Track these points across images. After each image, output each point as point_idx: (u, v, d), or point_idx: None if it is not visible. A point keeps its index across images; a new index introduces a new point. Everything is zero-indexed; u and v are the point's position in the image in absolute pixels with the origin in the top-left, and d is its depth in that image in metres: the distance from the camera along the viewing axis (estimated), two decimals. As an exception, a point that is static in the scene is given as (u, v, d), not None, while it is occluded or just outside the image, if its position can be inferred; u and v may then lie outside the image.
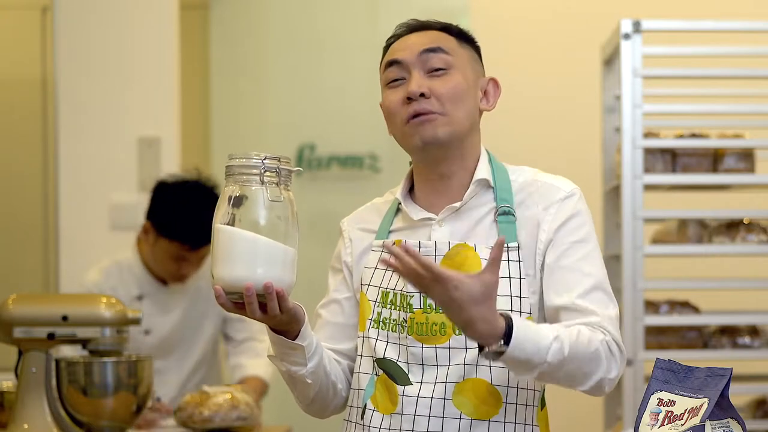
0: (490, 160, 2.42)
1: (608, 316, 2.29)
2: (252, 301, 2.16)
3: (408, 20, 2.47)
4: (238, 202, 2.19)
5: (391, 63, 2.39)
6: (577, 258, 2.32)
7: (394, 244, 2.37)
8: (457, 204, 2.37)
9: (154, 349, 4.22)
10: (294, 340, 2.28)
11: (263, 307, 2.19)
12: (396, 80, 2.38)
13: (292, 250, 2.20)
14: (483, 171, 2.39)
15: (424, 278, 2.08)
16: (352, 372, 2.45)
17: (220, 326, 4.37)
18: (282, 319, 2.22)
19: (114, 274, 4.13)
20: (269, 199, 2.18)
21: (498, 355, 2.13)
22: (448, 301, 2.09)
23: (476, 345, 2.20)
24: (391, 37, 2.44)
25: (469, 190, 2.38)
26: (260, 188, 2.18)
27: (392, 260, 2.09)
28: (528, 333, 2.15)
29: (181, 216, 4.06)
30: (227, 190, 2.20)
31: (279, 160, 2.21)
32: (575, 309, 2.29)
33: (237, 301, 2.19)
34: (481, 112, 2.43)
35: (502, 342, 2.12)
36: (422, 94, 2.33)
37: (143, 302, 4.22)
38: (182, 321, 4.29)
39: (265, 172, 2.18)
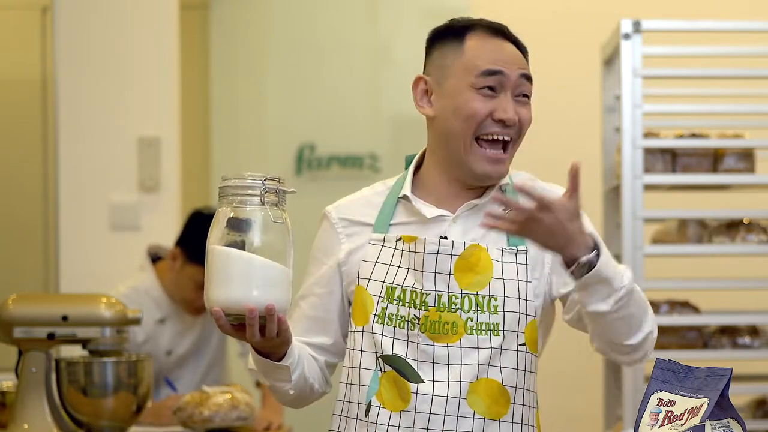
0: None
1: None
2: (254, 323, 2.17)
3: (489, 22, 2.42)
4: (234, 223, 2.18)
5: (493, 72, 2.35)
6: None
7: (400, 239, 2.37)
8: (478, 201, 2.39)
9: (171, 366, 4.27)
10: (279, 360, 2.30)
11: (261, 329, 2.20)
12: (490, 88, 2.36)
13: (289, 271, 2.21)
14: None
15: (533, 213, 2.13)
16: (329, 367, 2.47)
17: None
18: (275, 342, 2.24)
19: (133, 299, 4.12)
20: (271, 220, 2.19)
21: (587, 269, 2.17)
22: (555, 224, 2.14)
23: (488, 345, 2.29)
24: (466, 25, 2.40)
25: (492, 192, 2.39)
26: (259, 209, 2.19)
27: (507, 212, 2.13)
28: (609, 255, 2.22)
29: None
30: (222, 212, 2.20)
31: (279, 181, 2.21)
32: None
33: (234, 323, 2.20)
34: None
35: (593, 252, 2.17)
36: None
37: (165, 325, 4.25)
38: (199, 339, 4.33)
39: (266, 192, 2.18)
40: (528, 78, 2.38)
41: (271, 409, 4.11)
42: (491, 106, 2.35)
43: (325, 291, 2.45)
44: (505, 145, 2.36)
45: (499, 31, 2.40)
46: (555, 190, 2.39)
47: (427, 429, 2.31)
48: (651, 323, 2.30)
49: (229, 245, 2.17)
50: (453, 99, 2.36)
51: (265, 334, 2.20)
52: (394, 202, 2.43)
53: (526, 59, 2.42)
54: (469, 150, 2.36)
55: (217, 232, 2.19)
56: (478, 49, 2.37)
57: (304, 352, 2.42)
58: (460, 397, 2.31)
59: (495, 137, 2.35)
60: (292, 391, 2.38)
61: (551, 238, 2.16)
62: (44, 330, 3.27)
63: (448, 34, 2.40)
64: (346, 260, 2.43)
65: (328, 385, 2.49)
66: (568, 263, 2.18)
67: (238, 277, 2.16)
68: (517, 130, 2.37)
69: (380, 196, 2.46)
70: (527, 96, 2.39)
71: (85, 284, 4.70)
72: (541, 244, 2.18)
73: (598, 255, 2.17)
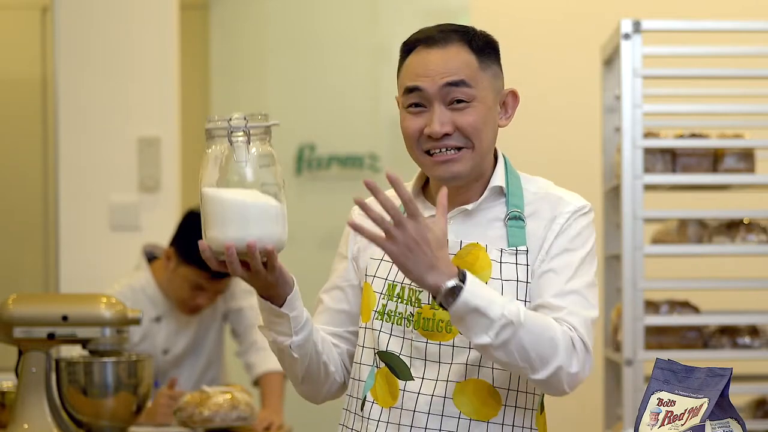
0: (506, 166, 2.42)
1: (581, 316, 2.29)
2: (233, 261, 2.17)
3: (426, 28, 2.39)
4: (221, 163, 2.19)
5: (412, 89, 2.34)
6: (564, 264, 2.33)
7: None
8: (470, 207, 2.38)
9: (168, 365, 4.26)
10: (281, 307, 2.27)
11: (248, 265, 2.19)
12: (417, 104, 2.35)
13: (276, 204, 2.20)
14: (499, 178, 2.40)
15: (399, 214, 2.13)
16: (351, 357, 2.45)
17: (221, 326, 4.40)
18: (269, 279, 2.23)
19: (128, 297, 4.12)
20: (257, 156, 2.19)
21: (453, 298, 2.15)
22: (419, 238, 2.13)
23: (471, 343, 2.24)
24: (409, 44, 2.38)
25: (483, 195, 2.38)
26: (234, 147, 2.19)
27: (369, 202, 2.14)
28: (483, 285, 2.19)
29: None
30: (210, 153, 2.21)
31: (245, 119, 2.20)
32: (547, 306, 2.30)
33: (223, 260, 2.20)
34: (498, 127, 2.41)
35: (459, 279, 2.15)
36: (445, 134, 2.32)
37: (161, 323, 4.25)
38: (195, 337, 4.33)
39: (232, 132, 2.19)
40: (456, 84, 2.31)
41: (271, 409, 4.10)
42: (422, 122, 2.34)
43: (346, 284, 2.47)
44: (457, 149, 2.33)
45: (435, 41, 2.34)
46: (568, 199, 2.38)
47: (412, 426, 2.32)
48: (563, 359, 2.22)
49: (219, 187, 2.19)
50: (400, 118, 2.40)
51: (250, 269, 2.20)
52: None
53: (484, 56, 2.35)
54: (423, 166, 2.38)
55: (205, 175, 2.21)
56: (407, 67, 2.37)
57: (322, 334, 2.41)
58: (445, 397, 2.31)
59: (433, 152, 2.34)
60: (296, 355, 2.33)
61: (414, 254, 2.14)
62: (44, 330, 3.27)
63: (401, 55, 2.40)
64: (358, 256, 2.46)
65: (348, 376, 2.46)
66: (435, 293, 2.17)
67: (217, 216, 2.18)
68: (460, 137, 2.33)
69: (398, 198, 2.47)
70: (464, 101, 2.32)
71: (85, 284, 4.70)
72: (399, 264, 2.16)
73: (464, 283, 2.15)
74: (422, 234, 2.14)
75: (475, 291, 2.16)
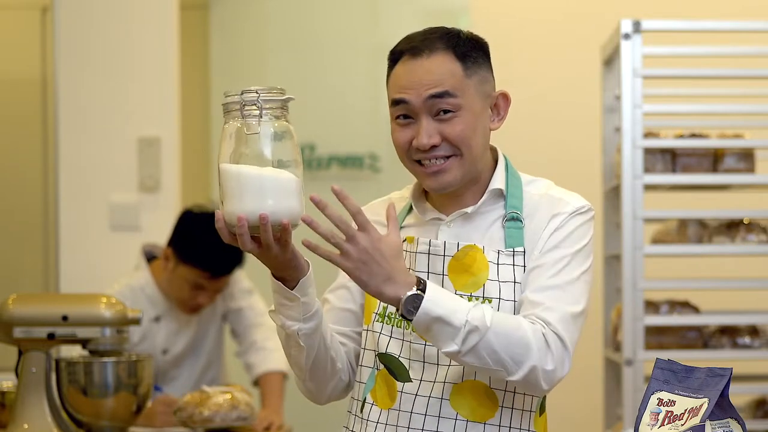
0: (506, 168, 2.42)
1: (560, 311, 2.27)
2: (243, 233, 2.15)
3: (412, 35, 2.38)
4: (237, 138, 2.18)
5: (398, 102, 2.34)
6: (551, 261, 2.32)
7: (404, 240, 2.38)
8: (469, 210, 2.38)
9: (168, 365, 4.26)
10: (293, 290, 2.25)
11: (260, 241, 2.17)
12: (404, 116, 2.35)
13: (292, 178, 2.17)
14: (498, 181, 2.39)
15: (350, 228, 2.13)
16: (357, 357, 2.44)
17: (221, 326, 4.40)
18: (280, 258, 2.21)
19: (128, 297, 4.12)
20: (255, 131, 2.17)
21: (414, 309, 2.14)
22: (372, 250, 2.14)
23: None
24: (395, 53, 2.37)
25: (483, 198, 2.38)
26: (258, 121, 2.18)
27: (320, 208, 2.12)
28: (445, 293, 2.19)
29: (204, 243, 4.06)
30: (226, 128, 2.20)
31: (257, 92, 2.18)
32: (526, 301, 2.29)
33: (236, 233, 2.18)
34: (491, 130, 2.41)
35: (417, 289, 2.15)
36: (433, 145, 2.32)
37: (161, 323, 4.25)
38: (194, 337, 4.33)
39: (244, 106, 2.18)
40: (440, 95, 2.30)
41: (271, 409, 4.10)
42: (410, 133, 2.34)
43: (352, 284, 2.44)
44: (446, 158, 2.33)
45: (419, 51, 2.33)
46: (567, 200, 2.37)
47: (409, 428, 2.32)
48: (536, 358, 2.21)
49: (230, 161, 2.18)
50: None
51: (261, 244, 2.18)
52: (408, 206, 2.45)
53: (470, 62, 2.34)
54: (416, 174, 2.38)
55: (222, 150, 2.19)
56: (393, 78, 2.37)
57: (332, 332, 2.40)
58: (442, 398, 2.31)
59: (424, 162, 2.34)
60: (303, 344, 2.31)
61: (367, 266, 2.15)
62: (44, 330, 3.27)
63: (389, 64, 2.40)
64: None
65: (354, 376, 2.46)
66: (396, 305, 2.17)
67: (230, 190, 2.17)
68: (448, 146, 2.32)
69: (403, 201, 2.48)
70: (450, 111, 2.31)
71: (85, 284, 4.70)
72: (356, 279, 2.16)
73: (423, 292, 2.15)
74: (375, 245, 2.15)
75: (436, 300, 2.16)
